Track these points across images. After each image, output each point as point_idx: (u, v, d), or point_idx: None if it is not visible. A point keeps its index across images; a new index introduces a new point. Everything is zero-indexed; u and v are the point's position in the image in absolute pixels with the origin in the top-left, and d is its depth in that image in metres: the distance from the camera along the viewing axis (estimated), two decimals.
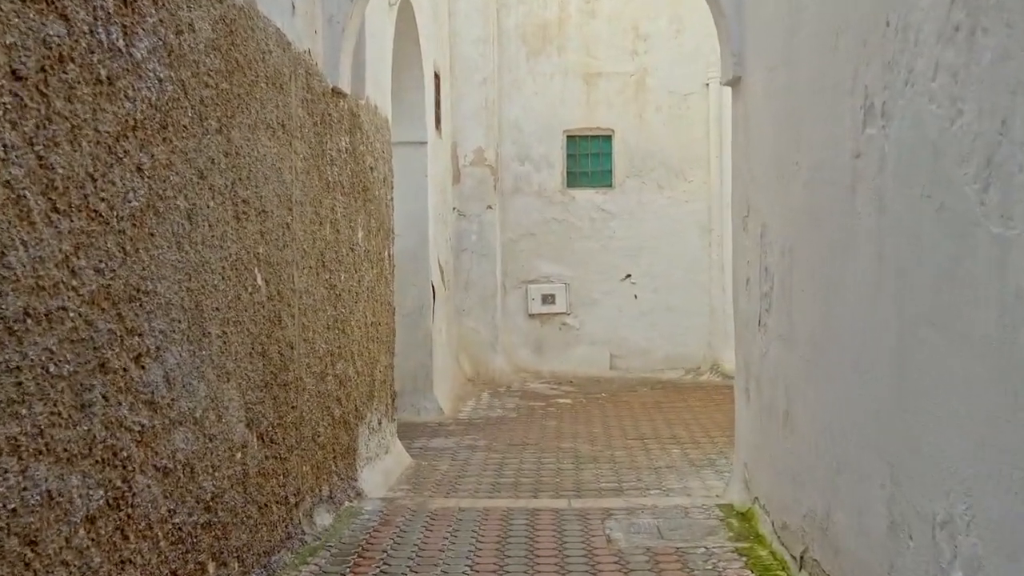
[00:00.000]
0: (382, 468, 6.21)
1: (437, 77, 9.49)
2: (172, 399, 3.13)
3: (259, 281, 3.99)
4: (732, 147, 5.38)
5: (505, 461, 6.94)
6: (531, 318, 11.16)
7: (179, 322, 3.19)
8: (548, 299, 11.11)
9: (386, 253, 6.61)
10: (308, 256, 4.73)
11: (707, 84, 10.76)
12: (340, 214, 5.35)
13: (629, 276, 11.12)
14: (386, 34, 6.79)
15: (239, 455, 3.75)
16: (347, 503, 5.31)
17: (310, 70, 4.77)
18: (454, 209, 10.70)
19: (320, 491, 4.92)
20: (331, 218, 5.16)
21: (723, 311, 10.82)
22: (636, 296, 11.10)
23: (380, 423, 6.34)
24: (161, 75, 3.05)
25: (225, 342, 3.60)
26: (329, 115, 5.12)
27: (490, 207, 10.81)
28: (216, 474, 3.50)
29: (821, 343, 3.50)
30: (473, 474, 6.54)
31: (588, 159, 11.16)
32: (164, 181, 3.08)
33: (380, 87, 6.54)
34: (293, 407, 4.45)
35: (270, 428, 4.12)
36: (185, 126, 3.25)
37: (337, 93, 5.27)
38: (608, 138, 11.08)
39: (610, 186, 11.11)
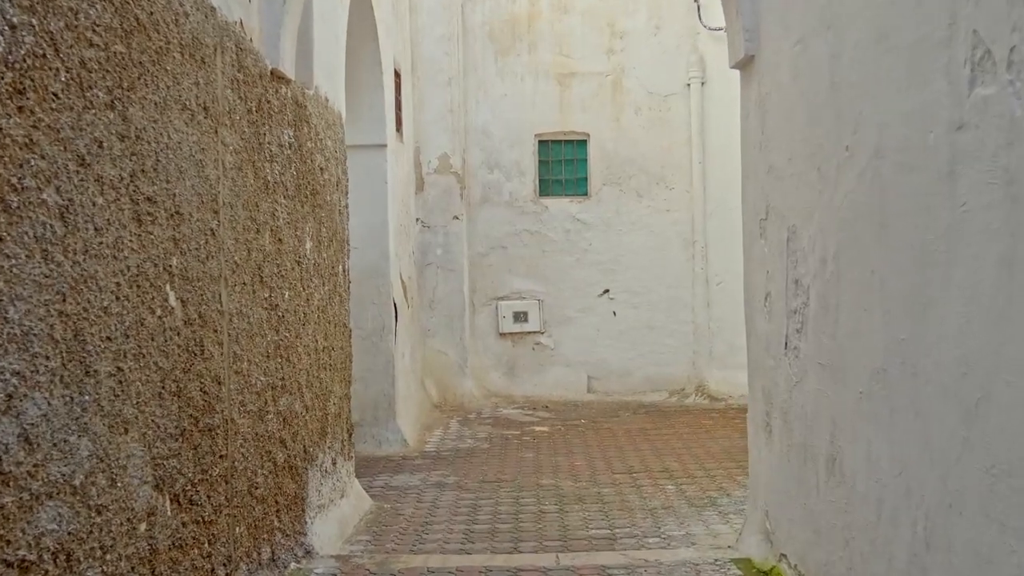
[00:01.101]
0: (337, 516, 5.36)
1: (398, 76, 8.69)
2: (35, 465, 2.28)
3: (172, 301, 3.15)
4: (742, 139, 4.63)
5: (478, 503, 6.11)
6: (502, 338, 10.34)
7: (46, 359, 2.35)
8: (520, 317, 10.30)
9: (340, 267, 5.77)
10: (241, 270, 3.89)
11: (688, 84, 10.05)
12: (283, 220, 4.51)
13: (607, 292, 10.34)
14: (339, 19, 5.98)
15: (143, 526, 2.90)
16: (293, 565, 4.45)
17: (242, 45, 3.94)
18: (417, 220, 9.88)
19: (259, 554, 4.06)
20: (271, 225, 4.33)
21: (708, 328, 10.10)
22: (615, 313, 10.32)
23: (335, 463, 5.48)
24: (15, 20, 2.22)
25: (121, 381, 2.76)
26: (268, 102, 4.29)
27: (457, 218, 10.00)
28: (107, 557, 2.65)
29: (893, 376, 2.73)
30: (442, 520, 5.70)
31: (562, 166, 10.39)
32: (20, 167, 2.24)
33: (332, 79, 5.72)
34: (221, 456, 3.60)
35: (189, 486, 3.27)
36: (56, 94, 2.42)
37: (278, 77, 4.44)
38: (583, 143, 10.31)
39: (586, 195, 10.34)
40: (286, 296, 4.55)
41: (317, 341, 5.14)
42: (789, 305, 3.85)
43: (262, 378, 4.14)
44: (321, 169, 5.31)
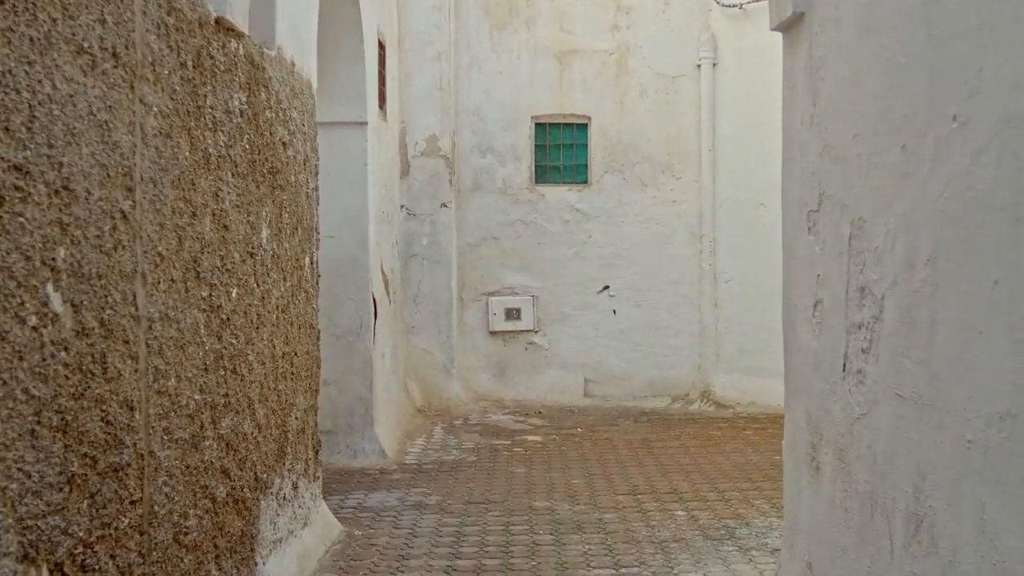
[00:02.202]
0: (297, 551, 4.60)
1: (382, 47, 7.90)
2: None
3: (55, 305, 2.37)
4: (784, 115, 3.87)
5: (463, 530, 5.36)
6: (492, 336, 9.57)
7: None
8: (512, 314, 9.54)
9: (307, 259, 5.00)
10: (168, 263, 3.11)
11: (699, 65, 9.27)
12: (230, 203, 3.73)
13: (607, 288, 9.58)
14: None
15: None
16: None
17: None
18: (402, 207, 9.10)
19: None
20: (214, 208, 3.55)
21: (715, 329, 9.37)
22: (615, 311, 9.56)
23: (296, 488, 4.72)
24: None
25: None
26: (210, 57, 3.51)
27: (445, 205, 9.22)
28: None
29: None
30: (421, 552, 4.95)
31: (560, 151, 9.61)
32: None
33: (301, 41, 4.95)
34: (133, 502, 2.83)
35: (80, 548, 2.50)
36: None
37: (226, 29, 3.66)
38: (584, 126, 9.53)
39: (586, 182, 9.56)
40: (233, 294, 3.78)
41: (275, 347, 4.37)
42: (851, 318, 3.09)
43: (196, 397, 3.37)
44: (284, 144, 4.53)
